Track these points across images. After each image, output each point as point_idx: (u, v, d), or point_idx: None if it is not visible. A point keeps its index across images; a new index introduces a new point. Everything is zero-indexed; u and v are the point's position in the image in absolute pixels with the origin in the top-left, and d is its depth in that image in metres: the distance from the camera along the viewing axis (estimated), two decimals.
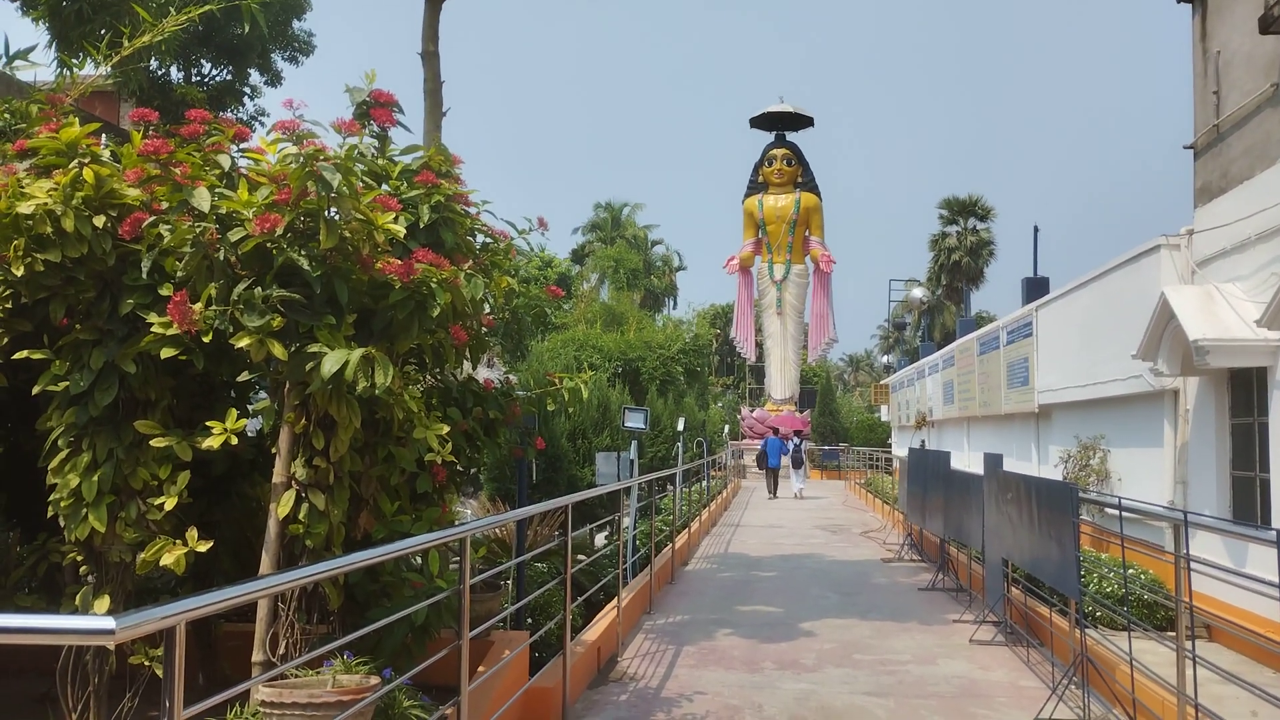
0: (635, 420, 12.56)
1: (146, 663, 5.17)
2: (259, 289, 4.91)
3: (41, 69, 9.74)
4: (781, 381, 42.73)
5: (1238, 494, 8.93)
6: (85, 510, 5.09)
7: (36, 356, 5.21)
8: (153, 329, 4.95)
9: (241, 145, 5.76)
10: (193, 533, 5.13)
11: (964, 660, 8.09)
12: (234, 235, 4.95)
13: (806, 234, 42.16)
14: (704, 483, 22.05)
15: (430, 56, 11.55)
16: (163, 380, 5.40)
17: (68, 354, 5.22)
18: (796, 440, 30.62)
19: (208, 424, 5.17)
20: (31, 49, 7.93)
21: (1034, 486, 7.73)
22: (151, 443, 5.13)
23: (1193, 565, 5.64)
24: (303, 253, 4.98)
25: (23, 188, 4.96)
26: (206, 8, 8.54)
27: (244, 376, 5.54)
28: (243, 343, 4.82)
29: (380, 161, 6.09)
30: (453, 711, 4.48)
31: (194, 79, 14.65)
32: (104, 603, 5.25)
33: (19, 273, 5.00)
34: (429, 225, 5.87)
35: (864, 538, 17.94)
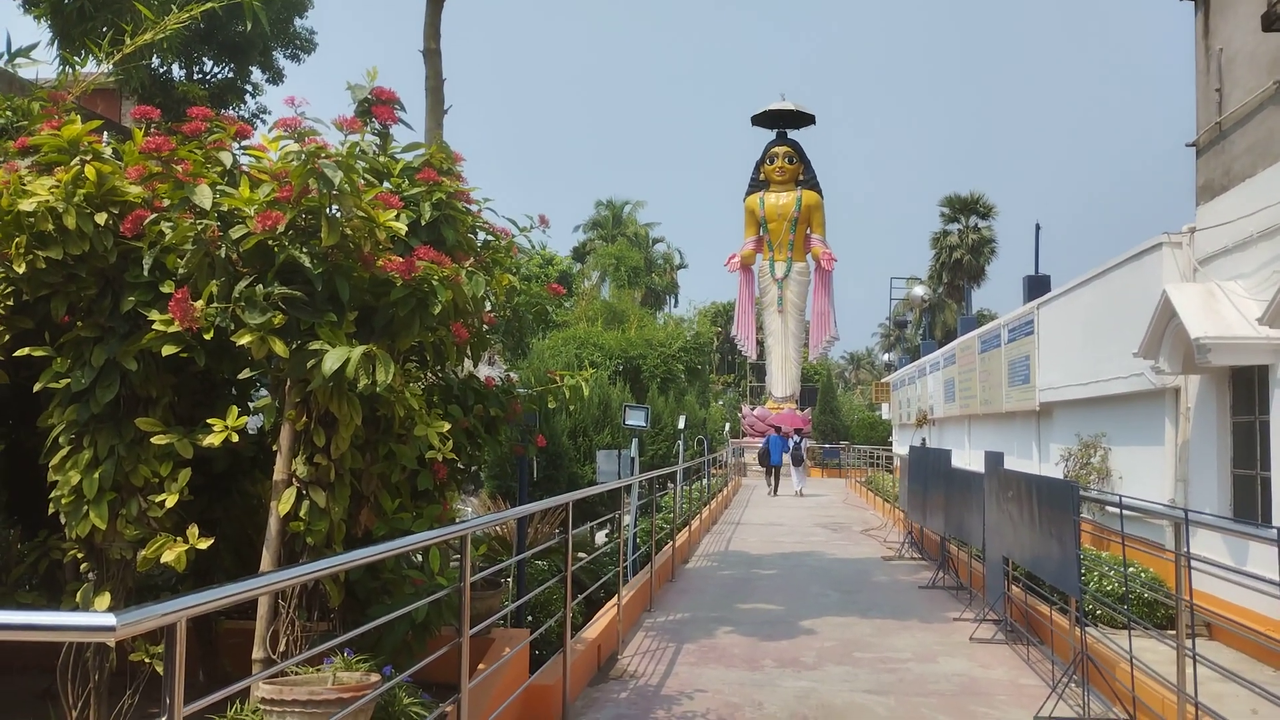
0: (636, 418, 12.56)
1: (147, 660, 5.17)
2: (260, 286, 4.91)
3: (43, 66, 9.75)
4: (782, 379, 42.74)
5: (1239, 492, 8.93)
6: (86, 507, 5.09)
7: (38, 354, 5.22)
8: (154, 326, 4.96)
9: (243, 143, 5.76)
10: (193, 530, 5.13)
11: (964, 658, 8.09)
12: (235, 233, 4.95)
13: (808, 232, 42.15)
14: (704, 481, 22.06)
15: (432, 54, 11.54)
16: (164, 377, 5.41)
17: (69, 351, 5.22)
18: (797, 438, 30.63)
19: (209, 421, 5.17)
20: (33, 46, 7.93)
21: (1035, 485, 7.73)
22: (152, 440, 5.14)
23: (1193, 563, 5.64)
24: (304, 250, 4.98)
25: (24, 185, 4.96)
26: (208, 5, 8.53)
27: (245, 374, 5.54)
28: (244, 340, 4.82)
29: (382, 159, 6.08)
30: (453, 709, 4.49)
31: (196, 76, 14.66)
32: (105, 600, 5.26)
33: (20, 270, 5.00)
34: (430, 223, 5.87)
35: (864, 536, 17.94)
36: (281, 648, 5.04)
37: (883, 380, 47.83)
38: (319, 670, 4.64)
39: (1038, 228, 25.36)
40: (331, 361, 4.70)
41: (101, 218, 5.03)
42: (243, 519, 6.04)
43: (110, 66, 8.53)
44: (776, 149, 42.81)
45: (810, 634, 9.05)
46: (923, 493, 13.13)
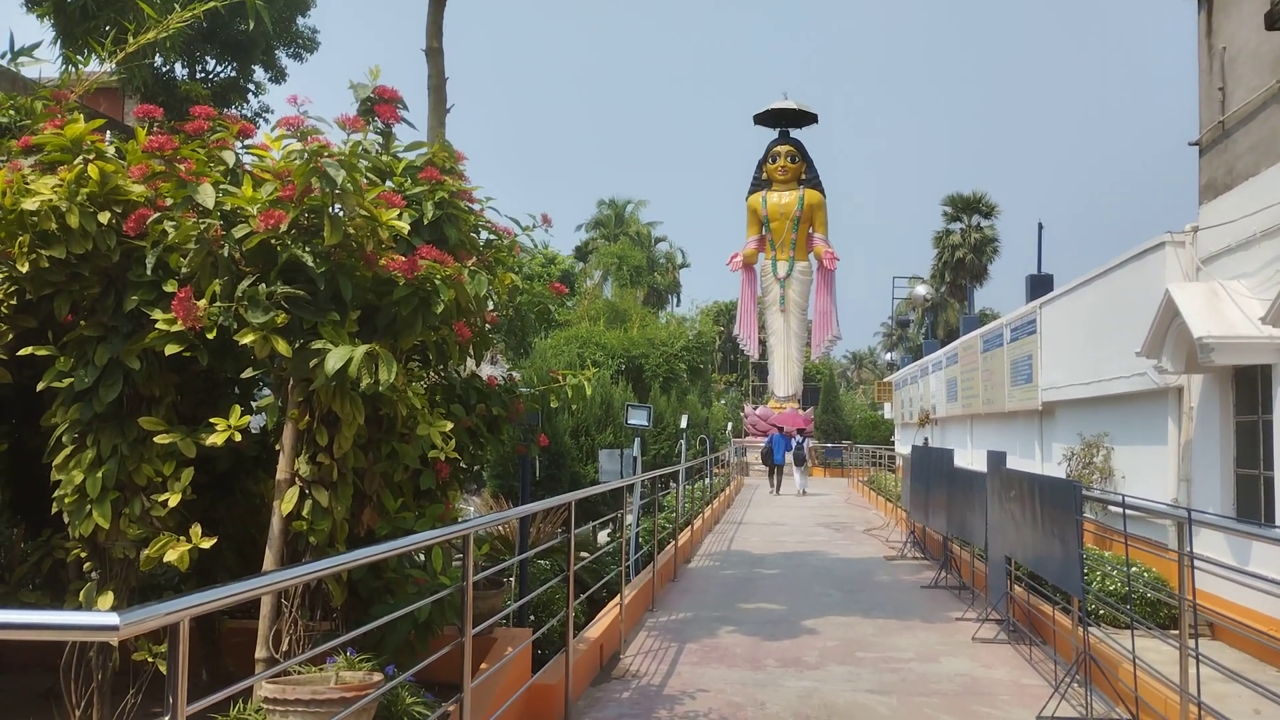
0: (638, 417, 12.56)
1: (150, 659, 5.17)
2: (263, 285, 4.92)
3: (46, 65, 9.75)
4: (784, 379, 42.72)
5: (1242, 492, 8.92)
6: (89, 506, 5.10)
7: (41, 353, 5.22)
8: (157, 325, 4.96)
9: (246, 141, 5.76)
10: (196, 529, 5.14)
11: (967, 658, 8.09)
12: (238, 232, 4.96)
13: (810, 231, 42.12)
14: (707, 480, 22.06)
15: (434, 53, 11.54)
16: (167, 377, 5.41)
17: (72, 350, 5.22)
18: (800, 438, 30.64)
19: (212, 420, 5.17)
20: (36, 45, 7.93)
21: (1037, 484, 7.72)
22: (155, 439, 5.14)
23: (1196, 563, 5.64)
24: (307, 249, 4.98)
25: (28, 184, 4.97)
26: (211, 4, 8.52)
27: (248, 373, 5.55)
28: (247, 339, 4.83)
29: (384, 158, 6.09)
30: (455, 708, 4.49)
31: (198, 75, 14.65)
32: (108, 599, 5.26)
33: (24, 269, 5.01)
34: (433, 222, 5.87)
35: (867, 535, 17.94)
36: (284, 647, 5.05)
37: (885, 380, 47.83)
38: (322, 669, 4.64)
39: (1040, 227, 25.41)
40: (334, 361, 4.70)
41: (105, 217, 5.03)
42: (245, 518, 6.04)
43: (113, 65, 8.54)
44: (779, 148, 42.77)
45: (813, 634, 9.04)
46: (925, 492, 13.12)
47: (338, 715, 4.23)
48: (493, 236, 6.76)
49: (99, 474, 5.10)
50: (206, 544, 5.10)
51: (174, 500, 5.17)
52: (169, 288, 5.08)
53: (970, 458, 18.34)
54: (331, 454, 5.14)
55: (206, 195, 4.96)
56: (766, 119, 43.93)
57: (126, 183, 5.14)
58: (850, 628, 9.34)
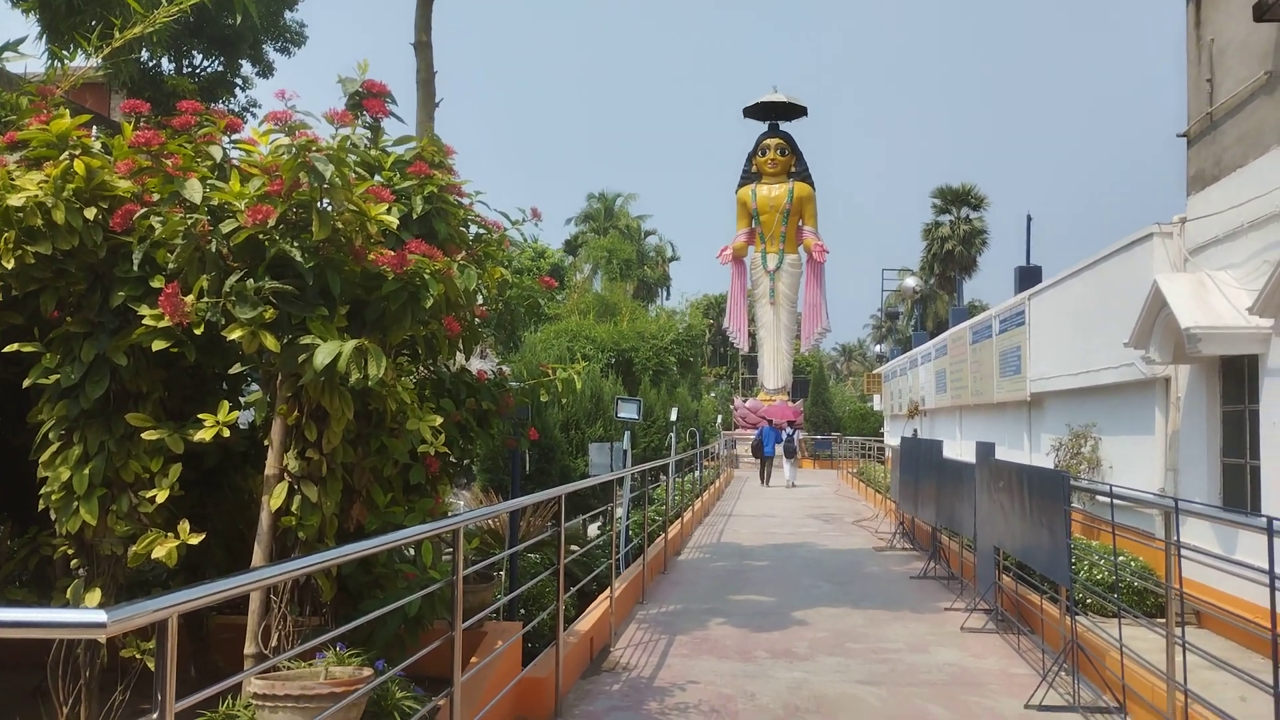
0: (628, 411, 12.56)
1: (138, 656, 5.16)
2: (251, 281, 4.90)
3: (32, 61, 9.70)
4: (774, 371, 42.80)
5: (1228, 481, 8.97)
6: (76, 503, 5.08)
7: (27, 349, 5.19)
8: (144, 321, 4.94)
9: (233, 136, 5.73)
10: (184, 525, 5.12)
11: (956, 648, 8.13)
12: (226, 227, 4.93)
13: (800, 224, 42.18)
14: (697, 473, 22.10)
15: (423, 47, 11.52)
16: (154, 373, 5.39)
17: (58, 347, 5.20)
18: (790, 430, 30.71)
19: (199, 416, 5.16)
20: (22, 40, 7.86)
21: (1026, 475, 7.76)
22: (143, 435, 5.12)
23: (1183, 552, 5.68)
24: (295, 244, 4.97)
25: (13, 180, 4.94)
26: None
27: (236, 369, 5.53)
28: (235, 335, 4.81)
29: (373, 152, 6.07)
30: (446, 702, 4.49)
31: (185, 70, 14.59)
32: (95, 596, 5.24)
33: (9, 265, 4.97)
34: (422, 216, 5.86)
35: (856, 527, 18.00)
36: (273, 643, 5.04)
37: (874, 372, 47.92)
38: (311, 665, 4.64)
39: (1029, 219, 25.46)
40: (323, 356, 4.69)
41: (91, 212, 5.00)
42: (234, 514, 6.03)
43: (99, 60, 8.48)
44: (768, 141, 42.79)
45: (802, 625, 9.08)
46: (914, 483, 13.17)
47: (327, 710, 4.23)
48: (482, 231, 6.74)
49: (86, 470, 5.08)
50: (195, 540, 5.08)
51: (162, 496, 5.15)
52: (156, 283, 5.06)
53: (959, 449, 18.40)
54: (320, 449, 5.13)
55: (194, 190, 4.94)
56: (756, 112, 43.94)
57: (113, 178, 5.11)
58: (840, 619, 9.37)
